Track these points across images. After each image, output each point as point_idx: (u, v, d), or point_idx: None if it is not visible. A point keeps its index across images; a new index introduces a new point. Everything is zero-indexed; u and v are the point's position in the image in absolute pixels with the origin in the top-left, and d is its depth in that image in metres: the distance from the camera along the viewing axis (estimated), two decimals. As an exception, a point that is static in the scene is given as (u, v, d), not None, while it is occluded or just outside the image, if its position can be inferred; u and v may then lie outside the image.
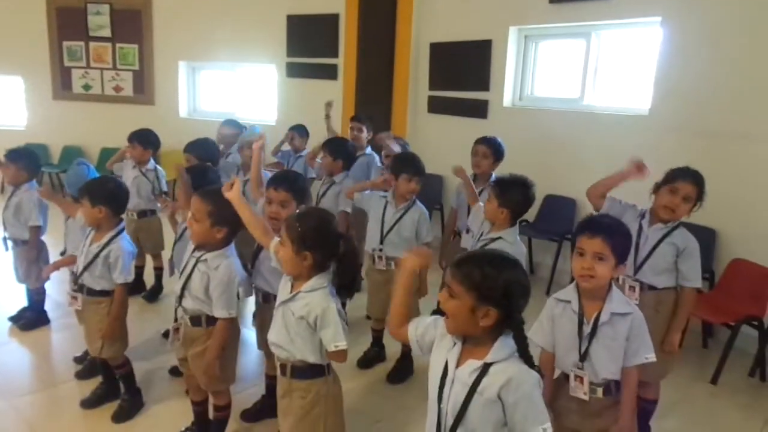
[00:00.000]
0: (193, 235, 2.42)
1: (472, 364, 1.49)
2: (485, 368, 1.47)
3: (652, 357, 1.96)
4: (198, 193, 2.42)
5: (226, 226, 2.36)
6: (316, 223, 1.98)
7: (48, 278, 3.30)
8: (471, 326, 1.48)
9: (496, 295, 1.44)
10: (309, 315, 1.94)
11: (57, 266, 3.18)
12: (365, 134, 4.61)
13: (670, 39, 4.27)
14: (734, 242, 3.98)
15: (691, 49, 4.17)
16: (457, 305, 1.47)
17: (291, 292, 2.00)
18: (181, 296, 2.44)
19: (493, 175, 3.59)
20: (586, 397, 1.98)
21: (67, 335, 3.71)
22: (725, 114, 4.01)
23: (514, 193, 2.69)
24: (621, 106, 4.77)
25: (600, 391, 1.98)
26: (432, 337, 1.66)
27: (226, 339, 2.41)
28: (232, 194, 2.18)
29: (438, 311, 1.60)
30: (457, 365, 1.52)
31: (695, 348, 3.88)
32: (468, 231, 3.40)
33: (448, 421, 1.52)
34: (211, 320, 2.41)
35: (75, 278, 2.83)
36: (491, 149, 3.63)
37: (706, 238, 3.96)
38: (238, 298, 2.41)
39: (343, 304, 2.05)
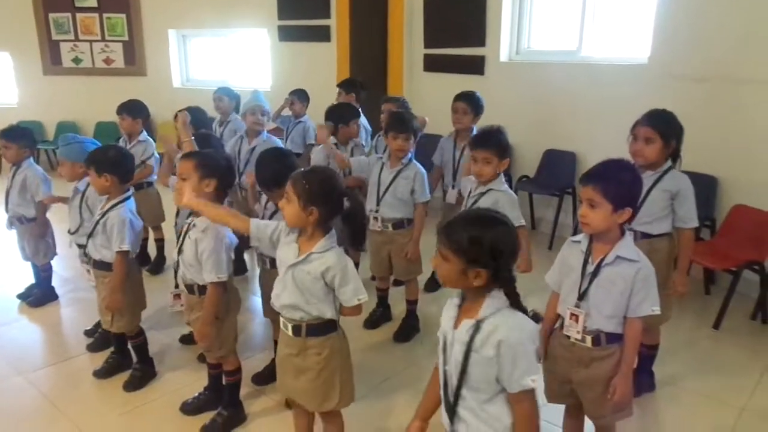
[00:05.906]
0: (178, 198, 2.37)
1: (467, 323, 1.53)
2: (477, 325, 1.51)
3: (657, 310, 1.96)
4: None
5: (215, 177, 2.34)
6: (322, 179, 2.00)
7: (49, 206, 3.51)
8: (465, 285, 1.54)
9: (484, 257, 1.46)
10: (327, 273, 1.96)
11: (55, 200, 3.44)
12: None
13: (669, -18, 4.18)
14: (735, 189, 3.98)
15: (690, -8, 4.08)
16: (449, 268, 1.51)
17: (299, 254, 2.01)
18: (177, 264, 2.47)
19: (474, 129, 3.62)
20: (579, 336, 1.99)
21: (75, 310, 3.76)
22: (726, 59, 3.94)
23: (492, 141, 2.77)
24: (620, 56, 4.70)
25: (589, 340, 1.99)
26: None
27: (217, 305, 2.41)
28: (188, 201, 2.15)
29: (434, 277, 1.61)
30: (455, 327, 1.56)
31: (697, 295, 3.91)
32: (453, 186, 3.56)
33: (453, 381, 1.56)
34: (203, 289, 2.42)
35: (84, 249, 2.86)
36: (470, 105, 3.67)
37: (707, 185, 3.96)
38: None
39: (356, 264, 2.08)
